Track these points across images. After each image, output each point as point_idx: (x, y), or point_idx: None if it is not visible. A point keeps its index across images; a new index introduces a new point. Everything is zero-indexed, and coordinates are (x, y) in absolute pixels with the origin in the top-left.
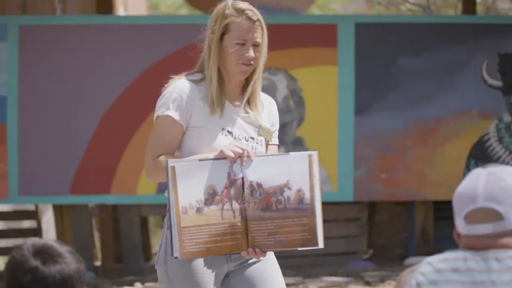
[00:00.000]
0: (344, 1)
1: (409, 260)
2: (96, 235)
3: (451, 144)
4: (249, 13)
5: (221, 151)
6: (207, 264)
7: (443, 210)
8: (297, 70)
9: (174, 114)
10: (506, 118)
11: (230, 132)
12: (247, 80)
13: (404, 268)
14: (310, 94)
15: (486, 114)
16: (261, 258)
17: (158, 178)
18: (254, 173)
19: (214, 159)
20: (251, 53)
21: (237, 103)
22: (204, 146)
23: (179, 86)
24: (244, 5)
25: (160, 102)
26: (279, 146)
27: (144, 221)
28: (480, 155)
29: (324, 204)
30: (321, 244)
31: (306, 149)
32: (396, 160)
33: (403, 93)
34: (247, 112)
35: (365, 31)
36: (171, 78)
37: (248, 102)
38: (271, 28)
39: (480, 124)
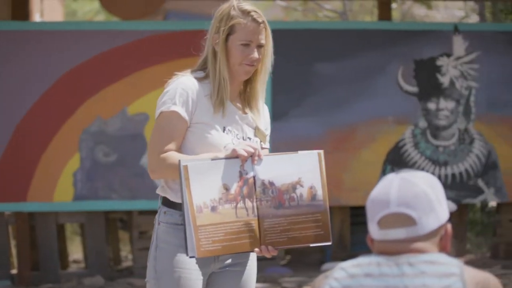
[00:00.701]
0: (261, 7)
1: (326, 266)
2: (13, 242)
3: (367, 149)
4: (255, 14)
5: (234, 150)
6: (195, 262)
7: (359, 215)
8: None
9: (180, 109)
10: (422, 123)
11: (230, 131)
12: (247, 81)
13: (321, 274)
14: None
15: (402, 119)
16: (273, 254)
17: (165, 175)
18: (266, 172)
19: (226, 158)
20: (256, 54)
21: (237, 103)
22: (206, 144)
23: (185, 82)
24: (249, 7)
25: (164, 97)
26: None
27: (61, 229)
28: (396, 161)
29: None
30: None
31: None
32: None
33: (320, 99)
34: (246, 113)
35: (282, 37)
36: (175, 74)
37: (248, 103)
38: (183, 35)
39: (396, 130)
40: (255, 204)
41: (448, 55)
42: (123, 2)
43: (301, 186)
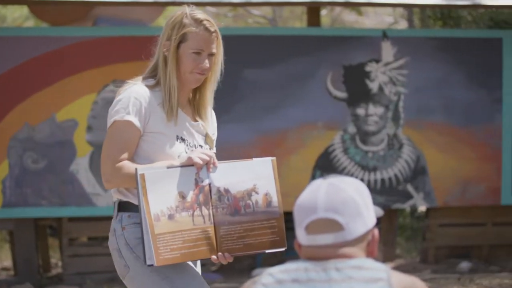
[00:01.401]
0: None
1: (257, 272)
2: None
3: (297, 155)
4: (207, 24)
5: (189, 158)
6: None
7: (290, 221)
8: None
9: (133, 119)
10: (351, 129)
11: (183, 140)
12: (196, 88)
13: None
14: None
15: (331, 125)
16: (229, 261)
17: (120, 185)
18: (221, 179)
19: (182, 166)
20: (206, 63)
21: (187, 110)
22: (161, 152)
23: (137, 91)
24: (202, 16)
25: (116, 106)
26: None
27: None
28: (326, 166)
29: None
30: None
31: None
32: None
33: (249, 104)
34: (196, 120)
35: None
36: (126, 82)
37: (197, 110)
38: (117, 40)
39: (326, 135)
40: (211, 211)
41: (377, 61)
42: (52, 8)
43: (256, 193)
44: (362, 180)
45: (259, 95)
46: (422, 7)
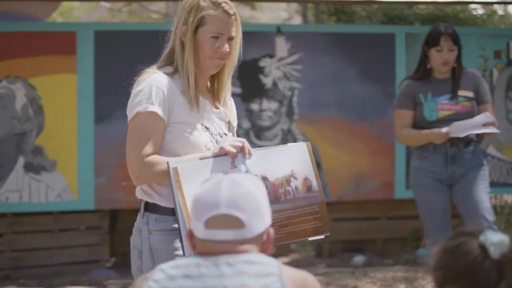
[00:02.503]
0: (87, 8)
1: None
2: None
3: None
4: (226, 6)
5: (222, 148)
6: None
7: None
8: (36, 78)
9: (158, 109)
10: (245, 124)
11: (207, 128)
12: (215, 75)
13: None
14: (49, 102)
15: None
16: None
17: (151, 181)
18: (257, 167)
19: (215, 156)
20: (226, 47)
21: (207, 98)
22: (187, 143)
23: (158, 79)
24: None
25: (138, 97)
26: None
27: None
28: None
29: (65, 212)
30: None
31: (46, 159)
32: None
33: None
34: (218, 108)
35: (105, 38)
36: (144, 71)
37: (217, 97)
38: (11, 36)
39: None
40: None
41: (271, 56)
42: None
43: (295, 178)
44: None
45: None
46: (316, 2)
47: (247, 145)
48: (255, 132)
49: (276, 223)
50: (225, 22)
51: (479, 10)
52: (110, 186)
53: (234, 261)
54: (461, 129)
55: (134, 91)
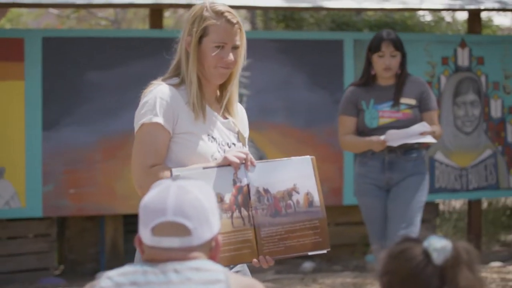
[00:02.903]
0: (35, 15)
1: (100, 275)
2: None
3: None
4: (229, 15)
5: (225, 158)
6: None
7: (132, 223)
8: None
9: (162, 120)
10: None
11: (214, 138)
12: (222, 85)
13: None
14: None
15: None
16: (270, 265)
17: None
18: (260, 179)
19: (218, 166)
20: (231, 56)
21: (215, 108)
22: (193, 153)
23: (163, 91)
24: (223, 7)
25: (143, 108)
26: None
27: None
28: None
29: (13, 220)
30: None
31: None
32: (85, 175)
33: (92, 107)
34: (226, 118)
35: (53, 45)
36: (150, 83)
37: (226, 107)
38: None
39: None
40: (250, 212)
41: None
42: None
43: (297, 192)
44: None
45: (102, 97)
46: (265, 9)
47: (250, 157)
48: None
49: (275, 236)
50: (228, 31)
51: (427, 17)
52: (58, 193)
53: (181, 268)
54: (397, 137)
55: (140, 103)
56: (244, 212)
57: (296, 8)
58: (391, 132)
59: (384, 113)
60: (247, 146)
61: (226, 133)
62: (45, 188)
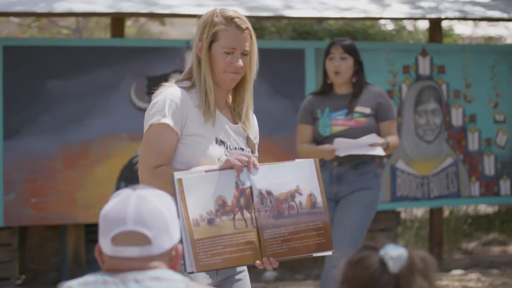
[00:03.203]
0: None
1: (62, 285)
2: None
3: (102, 166)
4: (238, 21)
5: (227, 161)
6: (202, 276)
7: (94, 232)
8: None
9: (170, 121)
10: None
11: (222, 142)
12: (235, 90)
13: None
14: None
15: (136, 136)
16: (274, 266)
17: (159, 190)
18: (262, 181)
19: (220, 169)
20: (240, 62)
21: (226, 113)
22: (200, 155)
23: (173, 93)
24: (233, 13)
25: (153, 109)
26: None
27: None
28: (130, 177)
29: None
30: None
31: None
32: (46, 184)
33: (53, 116)
34: (236, 123)
35: (14, 54)
36: (162, 85)
37: (237, 112)
38: None
39: (130, 146)
40: (253, 215)
41: (181, 71)
42: None
43: (300, 194)
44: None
45: (64, 106)
46: None
47: (253, 159)
48: None
49: (279, 238)
50: (237, 37)
51: (388, 26)
52: (19, 202)
53: (141, 278)
54: (344, 147)
55: (150, 103)
56: (247, 214)
57: (257, 17)
58: (339, 141)
59: (337, 121)
60: (256, 152)
61: (235, 138)
62: (6, 197)
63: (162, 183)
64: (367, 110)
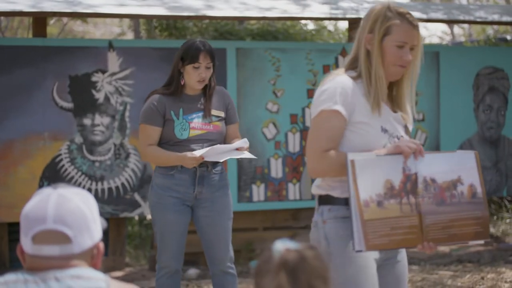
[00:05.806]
0: None
1: None
2: None
3: (24, 166)
4: (410, 17)
5: (397, 146)
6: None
7: (17, 232)
8: None
9: (341, 109)
10: (78, 139)
11: (386, 130)
12: (392, 83)
13: None
14: None
15: (58, 135)
16: (432, 251)
17: (327, 173)
18: (427, 169)
19: (390, 154)
20: (409, 56)
21: (385, 102)
22: (367, 142)
23: (343, 81)
24: (404, 10)
25: (323, 96)
26: None
27: None
28: (53, 176)
29: None
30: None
31: None
32: None
33: None
34: (395, 111)
35: None
36: (330, 73)
37: (396, 103)
38: None
39: (52, 146)
40: (417, 200)
41: (103, 71)
42: None
43: (462, 183)
44: (89, 189)
45: None
46: (148, 17)
47: (420, 147)
48: (87, 146)
49: (439, 224)
50: (409, 32)
51: (309, 26)
52: None
53: (62, 276)
54: (215, 153)
55: (319, 89)
56: (412, 199)
57: (179, 17)
58: (210, 151)
59: (196, 125)
60: (411, 138)
61: (396, 126)
62: None
63: (329, 166)
64: (222, 114)
